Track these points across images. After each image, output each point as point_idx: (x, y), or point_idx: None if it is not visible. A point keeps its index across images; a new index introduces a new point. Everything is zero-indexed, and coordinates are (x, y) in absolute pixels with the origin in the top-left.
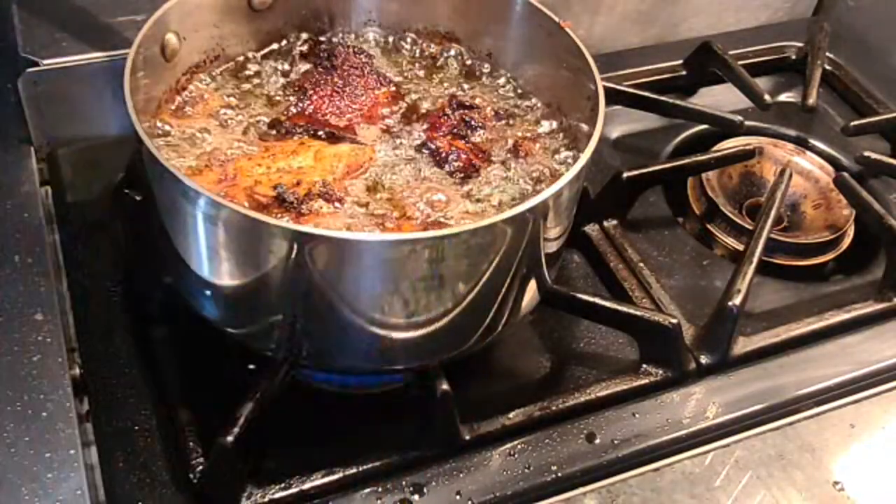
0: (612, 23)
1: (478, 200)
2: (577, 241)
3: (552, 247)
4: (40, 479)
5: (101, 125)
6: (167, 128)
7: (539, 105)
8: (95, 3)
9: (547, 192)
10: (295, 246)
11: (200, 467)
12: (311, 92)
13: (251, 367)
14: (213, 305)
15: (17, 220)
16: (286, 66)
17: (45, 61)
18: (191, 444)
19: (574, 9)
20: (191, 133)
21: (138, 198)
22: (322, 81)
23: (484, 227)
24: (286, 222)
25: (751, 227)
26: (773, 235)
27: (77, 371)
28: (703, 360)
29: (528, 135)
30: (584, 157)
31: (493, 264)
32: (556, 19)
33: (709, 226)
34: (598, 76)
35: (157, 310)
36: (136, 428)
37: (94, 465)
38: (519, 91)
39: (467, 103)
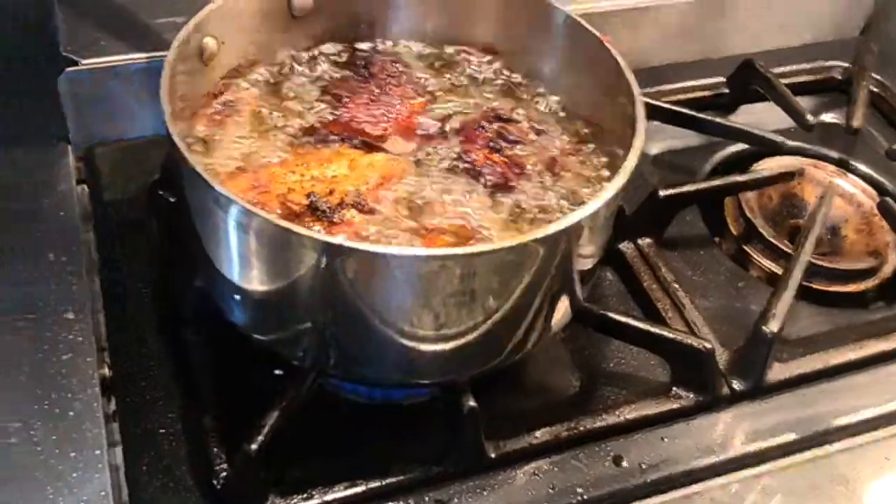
0: (654, 38)
1: (512, 216)
2: (611, 258)
3: (586, 265)
4: (65, 479)
5: (138, 125)
6: (203, 131)
7: (578, 120)
8: (136, 4)
9: (582, 213)
10: (325, 257)
11: (224, 473)
12: (347, 100)
13: (278, 372)
14: (242, 311)
15: (53, 218)
16: (323, 73)
17: (85, 61)
18: (215, 449)
19: (614, 23)
20: (226, 137)
21: (172, 199)
22: (358, 89)
23: (517, 245)
24: (318, 233)
25: (789, 251)
26: (812, 259)
27: (106, 371)
28: (736, 385)
29: (566, 151)
30: (621, 177)
31: (525, 282)
32: (597, 34)
33: (746, 247)
34: (638, 94)
35: (188, 312)
36: (162, 431)
37: (119, 466)
38: (558, 105)
39: (505, 116)
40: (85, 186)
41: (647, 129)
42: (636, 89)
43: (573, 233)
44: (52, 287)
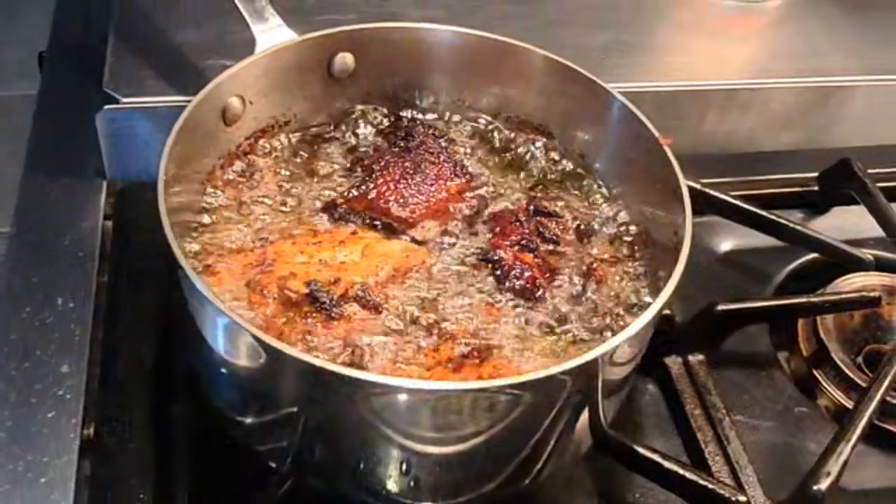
0: (747, 123)
1: (532, 329)
2: (655, 370)
3: (612, 388)
4: None
5: None
6: (218, 196)
7: (626, 223)
8: (189, 44)
9: (609, 345)
10: (310, 378)
11: None
12: (377, 174)
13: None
14: (224, 405)
15: (72, 257)
16: (358, 142)
17: (125, 99)
18: None
19: (709, 101)
20: (241, 205)
21: None
22: (392, 164)
23: (521, 382)
24: (303, 355)
25: (864, 384)
26: (888, 398)
27: (91, 431)
28: None
29: (607, 258)
30: (653, 309)
31: (537, 413)
32: (655, 133)
33: (815, 371)
34: (689, 214)
35: (181, 383)
36: None
37: None
38: (607, 204)
39: (546, 210)
40: (111, 223)
41: (719, 223)
42: (688, 210)
43: (598, 364)
44: (55, 335)
